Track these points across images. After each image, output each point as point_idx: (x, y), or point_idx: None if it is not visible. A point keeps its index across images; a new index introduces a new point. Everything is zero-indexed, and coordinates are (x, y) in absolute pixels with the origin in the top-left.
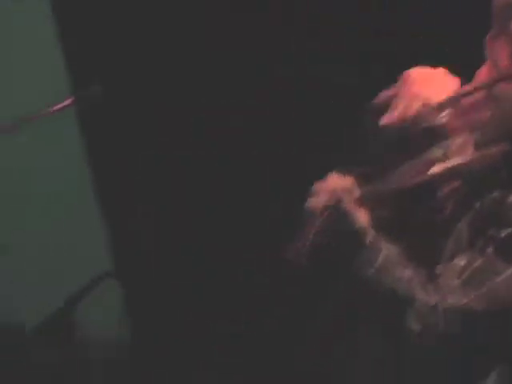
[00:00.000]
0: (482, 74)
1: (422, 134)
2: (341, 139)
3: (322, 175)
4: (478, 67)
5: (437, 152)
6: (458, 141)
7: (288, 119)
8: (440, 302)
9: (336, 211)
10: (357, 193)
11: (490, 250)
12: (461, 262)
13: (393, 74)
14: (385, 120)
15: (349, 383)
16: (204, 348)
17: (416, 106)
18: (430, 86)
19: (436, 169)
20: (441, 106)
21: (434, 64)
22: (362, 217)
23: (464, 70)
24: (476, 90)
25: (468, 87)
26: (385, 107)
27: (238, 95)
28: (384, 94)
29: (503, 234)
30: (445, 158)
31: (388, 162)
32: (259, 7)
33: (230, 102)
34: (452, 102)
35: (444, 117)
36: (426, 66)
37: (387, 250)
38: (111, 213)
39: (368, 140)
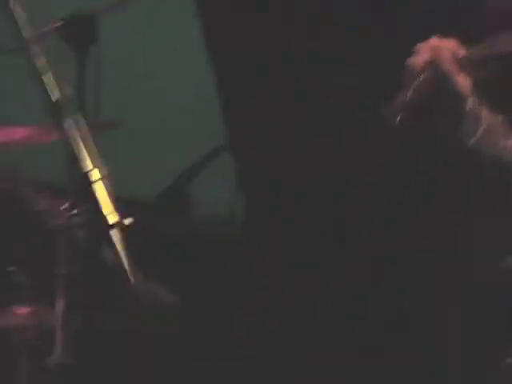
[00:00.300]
0: None
1: None
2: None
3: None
4: None
5: None
6: None
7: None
8: None
9: (437, 70)
10: (460, 53)
11: None
12: None
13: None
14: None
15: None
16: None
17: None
18: None
19: None
20: None
21: None
22: (463, 80)
23: None
24: None
25: None
26: None
27: None
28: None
29: None
30: None
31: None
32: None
33: None
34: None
35: None
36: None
37: (489, 119)
38: (227, 86)
39: None
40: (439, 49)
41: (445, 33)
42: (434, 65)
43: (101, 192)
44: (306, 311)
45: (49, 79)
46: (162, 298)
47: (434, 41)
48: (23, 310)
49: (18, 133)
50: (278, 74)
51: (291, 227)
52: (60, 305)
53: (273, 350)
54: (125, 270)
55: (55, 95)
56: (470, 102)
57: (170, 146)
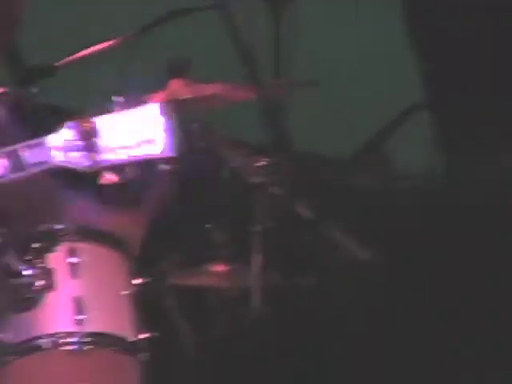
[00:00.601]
0: None
1: None
2: None
3: None
4: None
5: None
6: None
7: None
8: None
9: None
10: None
11: None
12: None
13: None
14: None
15: None
16: None
17: None
18: None
19: None
20: None
21: None
22: None
23: None
24: None
25: None
26: None
27: None
28: None
29: None
30: None
31: None
32: None
33: None
34: None
35: None
36: None
37: None
38: (427, 44)
39: None
40: None
41: None
42: None
43: None
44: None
45: (245, 37)
46: (357, 254)
47: None
48: (220, 268)
49: (215, 89)
50: (474, 31)
51: (488, 181)
52: (256, 262)
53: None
54: (321, 227)
55: (250, 53)
56: None
57: (367, 103)
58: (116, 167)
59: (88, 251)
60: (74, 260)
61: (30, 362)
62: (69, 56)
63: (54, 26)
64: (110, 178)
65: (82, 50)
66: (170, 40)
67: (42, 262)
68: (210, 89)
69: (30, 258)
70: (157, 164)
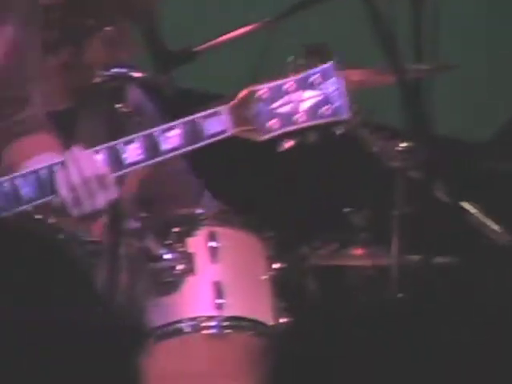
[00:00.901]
0: None
1: None
2: None
3: None
4: None
5: None
6: None
7: None
8: None
9: None
10: None
11: None
12: None
13: None
14: None
15: None
16: None
17: None
18: None
19: None
20: None
21: None
22: None
23: None
24: None
25: None
26: None
27: None
28: None
29: None
30: None
31: None
32: None
33: None
34: None
35: None
36: None
37: None
38: None
39: None
40: None
41: None
42: None
43: None
44: None
45: (386, 21)
46: (498, 238)
47: None
48: (360, 252)
49: (355, 75)
50: None
51: None
52: (395, 246)
53: None
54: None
55: (391, 37)
56: None
57: (507, 87)
58: (294, 133)
59: (228, 235)
60: (213, 244)
61: (170, 345)
62: (208, 41)
63: (195, 11)
64: (288, 144)
65: (220, 35)
66: (310, 25)
67: (182, 247)
68: (350, 74)
69: (171, 242)
70: (333, 127)
